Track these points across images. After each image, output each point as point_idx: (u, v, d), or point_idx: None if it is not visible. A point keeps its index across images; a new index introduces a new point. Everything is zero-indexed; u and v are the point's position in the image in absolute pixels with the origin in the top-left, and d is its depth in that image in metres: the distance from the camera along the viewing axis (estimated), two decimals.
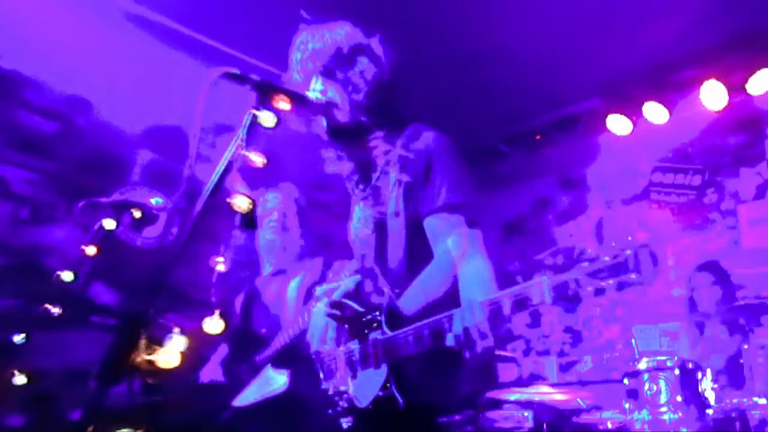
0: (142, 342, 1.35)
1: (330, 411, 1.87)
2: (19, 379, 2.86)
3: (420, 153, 1.85)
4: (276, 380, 2.93)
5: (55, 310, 2.85)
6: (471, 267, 1.76)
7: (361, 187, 1.99)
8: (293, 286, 3.08)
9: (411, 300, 1.78)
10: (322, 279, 2.57)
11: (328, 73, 1.89)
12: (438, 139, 1.89)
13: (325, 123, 1.90)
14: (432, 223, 1.81)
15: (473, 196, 1.86)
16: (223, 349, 3.28)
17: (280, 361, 2.95)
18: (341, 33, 1.92)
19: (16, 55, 3.77)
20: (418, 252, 1.81)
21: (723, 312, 3.93)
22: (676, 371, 3.34)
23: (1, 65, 3.79)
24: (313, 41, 1.90)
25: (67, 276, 2.85)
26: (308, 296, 2.88)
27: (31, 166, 3.96)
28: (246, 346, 3.11)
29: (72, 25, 3.74)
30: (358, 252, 2.03)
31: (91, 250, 2.87)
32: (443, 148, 1.87)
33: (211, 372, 3.22)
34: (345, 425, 1.80)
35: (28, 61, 3.83)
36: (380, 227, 1.89)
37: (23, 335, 2.85)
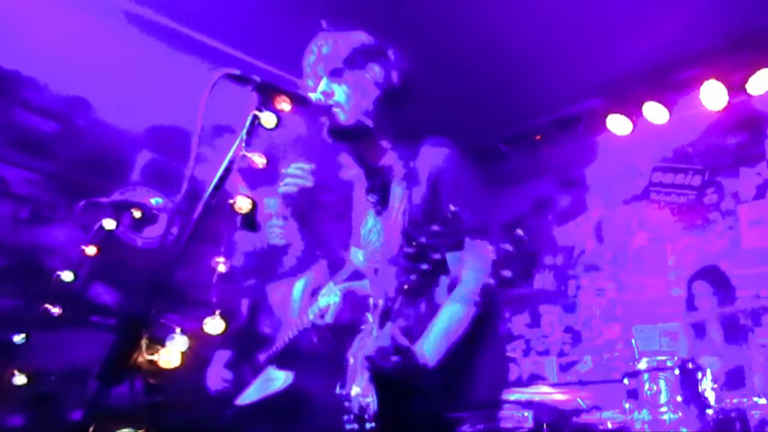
0: (144, 342, 1.35)
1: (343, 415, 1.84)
2: (19, 379, 2.85)
3: (433, 172, 1.81)
4: (277, 378, 2.96)
5: (55, 310, 2.83)
6: (449, 305, 1.73)
7: (373, 196, 1.96)
8: (299, 287, 3.09)
9: (432, 347, 1.69)
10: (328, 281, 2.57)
11: (336, 74, 1.87)
12: (452, 158, 1.85)
13: (326, 123, 1.88)
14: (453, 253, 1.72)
15: (488, 214, 1.80)
16: (227, 353, 3.28)
17: (281, 360, 2.96)
18: (354, 39, 1.91)
19: (16, 55, 3.77)
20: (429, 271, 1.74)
21: (722, 313, 3.94)
22: (676, 371, 3.34)
23: (1, 65, 3.79)
24: (326, 45, 1.89)
25: (67, 276, 2.84)
26: (314, 297, 2.89)
27: (31, 166, 3.96)
28: (251, 348, 3.12)
29: (72, 25, 3.73)
30: (367, 261, 1.99)
31: (91, 250, 2.85)
32: (457, 168, 1.83)
33: (220, 377, 3.21)
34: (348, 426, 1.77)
35: (28, 61, 3.83)
36: (391, 241, 1.83)
37: (23, 335, 2.84)
